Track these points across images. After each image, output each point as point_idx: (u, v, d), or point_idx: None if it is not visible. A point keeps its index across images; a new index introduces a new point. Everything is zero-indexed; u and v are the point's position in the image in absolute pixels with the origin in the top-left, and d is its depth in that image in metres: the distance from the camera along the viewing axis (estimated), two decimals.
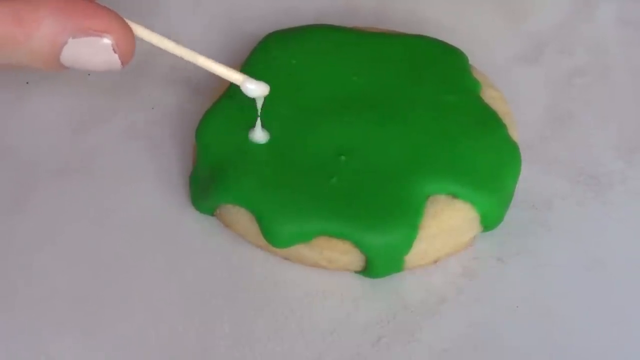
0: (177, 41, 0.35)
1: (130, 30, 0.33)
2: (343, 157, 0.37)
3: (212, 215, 0.39)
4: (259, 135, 0.38)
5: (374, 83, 0.39)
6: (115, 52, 0.32)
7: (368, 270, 0.37)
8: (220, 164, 0.37)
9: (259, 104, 0.37)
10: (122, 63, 0.33)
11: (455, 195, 0.37)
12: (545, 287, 0.37)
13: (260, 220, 0.36)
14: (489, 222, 0.38)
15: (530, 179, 0.39)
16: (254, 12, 0.46)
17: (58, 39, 0.32)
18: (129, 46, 0.33)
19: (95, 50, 0.32)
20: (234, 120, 0.38)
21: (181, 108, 0.42)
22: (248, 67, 0.40)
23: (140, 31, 0.34)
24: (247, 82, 0.36)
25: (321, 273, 0.37)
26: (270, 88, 0.38)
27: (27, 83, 0.43)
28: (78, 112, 0.42)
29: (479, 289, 0.37)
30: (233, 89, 0.37)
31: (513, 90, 0.42)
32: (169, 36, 0.34)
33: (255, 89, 0.36)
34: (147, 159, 0.41)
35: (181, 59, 0.35)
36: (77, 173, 0.40)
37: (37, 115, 0.42)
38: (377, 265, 0.36)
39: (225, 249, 0.38)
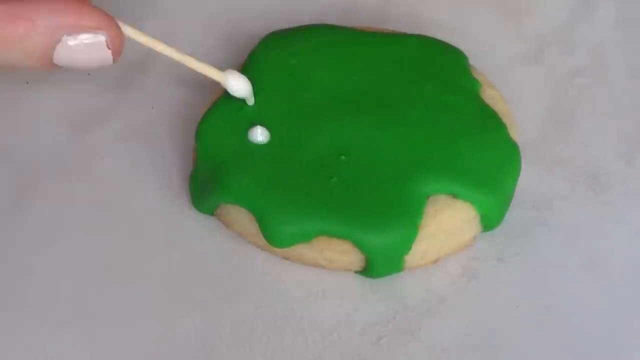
0: (176, 41, 0.35)
1: (119, 27, 0.34)
2: (343, 157, 0.37)
3: (212, 215, 0.39)
4: (259, 135, 0.38)
5: (373, 83, 0.39)
6: (109, 48, 0.33)
7: (368, 270, 0.37)
8: (220, 164, 0.37)
9: (250, 100, 0.38)
10: (114, 59, 0.34)
11: (455, 195, 0.37)
12: (545, 287, 0.37)
13: (260, 220, 0.36)
14: (489, 222, 0.38)
15: (530, 179, 0.39)
16: (253, 12, 0.46)
17: (52, 37, 0.32)
18: (120, 42, 0.34)
19: (88, 47, 0.33)
20: (233, 120, 0.38)
21: (181, 108, 0.42)
22: (248, 67, 0.40)
23: (129, 30, 0.35)
24: (229, 77, 0.37)
25: (321, 273, 0.37)
26: (270, 88, 0.39)
27: (27, 83, 0.43)
28: (77, 113, 0.42)
29: (479, 289, 0.37)
30: None
31: (513, 90, 0.42)
32: (168, 36, 0.35)
33: (238, 86, 0.37)
34: (146, 159, 0.41)
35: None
36: (77, 173, 0.40)
37: (36, 116, 0.42)
38: (377, 265, 0.36)
39: (225, 249, 0.38)
